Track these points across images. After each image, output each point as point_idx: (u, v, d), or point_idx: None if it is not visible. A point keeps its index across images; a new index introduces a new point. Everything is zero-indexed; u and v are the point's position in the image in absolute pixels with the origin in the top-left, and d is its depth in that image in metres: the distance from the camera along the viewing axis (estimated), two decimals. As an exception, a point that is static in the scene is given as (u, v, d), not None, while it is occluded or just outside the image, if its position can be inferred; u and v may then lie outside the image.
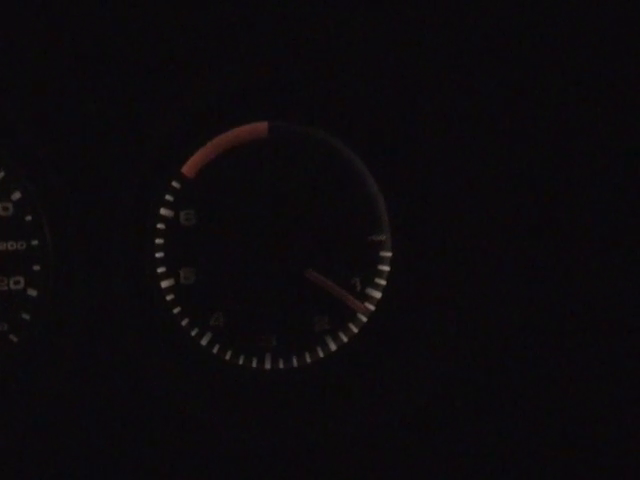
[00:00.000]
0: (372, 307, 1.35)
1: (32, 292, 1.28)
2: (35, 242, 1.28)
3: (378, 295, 1.35)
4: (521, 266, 1.21)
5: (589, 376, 1.20)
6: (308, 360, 1.34)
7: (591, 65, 1.16)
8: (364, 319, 1.35)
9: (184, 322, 1.32)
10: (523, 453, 1.20)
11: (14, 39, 1.13)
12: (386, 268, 1.35)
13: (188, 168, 1.31)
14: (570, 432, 1.20)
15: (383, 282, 1.35)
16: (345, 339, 1.35)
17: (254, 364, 1.34)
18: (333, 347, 1.35)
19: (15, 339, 1.29)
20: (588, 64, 1.16)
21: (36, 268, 1.28)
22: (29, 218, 1.28)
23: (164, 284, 1.31)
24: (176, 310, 1.32)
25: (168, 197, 1.30)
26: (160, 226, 1.30)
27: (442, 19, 1.16)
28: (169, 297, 1.31)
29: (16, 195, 1.28)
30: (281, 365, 1.34)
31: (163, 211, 1.30)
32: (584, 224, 1.19)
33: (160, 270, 1.31)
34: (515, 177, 1.20)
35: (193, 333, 1.32)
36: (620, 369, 1.19)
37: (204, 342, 1.33)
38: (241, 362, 1.33)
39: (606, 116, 1.17)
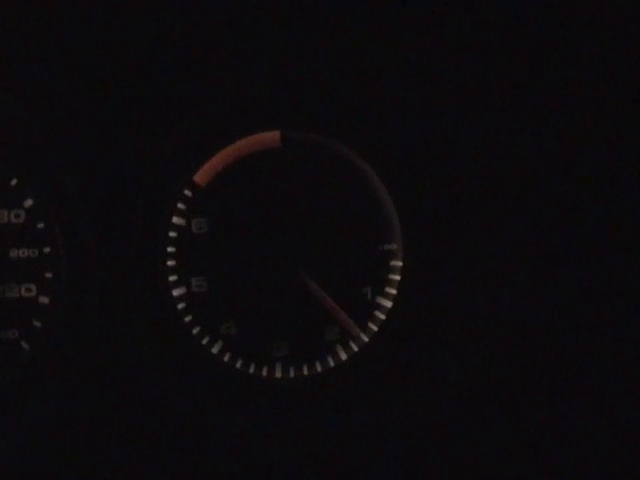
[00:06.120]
0: (383, 316, 1.35)
1: (44, 299, 1.28)
2: (47, 249, 1.28)
3: (389, 304, 1.35)
4: (533, 275, 1.21)
5: (610, 375, 1.20)
6: (319, 369, 1.34)
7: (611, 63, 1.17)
8: (375, 328, 1.35)
9: (195, 330, 1.32)
10: (541, 455, 1.20)
11: (28, 45, 1.14)
12: (397, 277, 1.35)
13: (200, 176, 1.31)
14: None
15: (394, 291, 1.35)
16: (356, 348, 1.35)
17: (265, 373, 1.33)
18: (344, 356, 1.34)
19: (26, 346, 1.29)
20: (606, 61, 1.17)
21: (48, 275, 1.28)
22: (41, 225, 1.28)
23: (175, 292, 1.31)
24: (187, 318, 1.31)
25: (180, 205, 1.30)
26: (172, 234, 1.30)
27: (459, 30, 1.16)
28: (180, 305, 1.31)
29: (28, 202, 1.28)
30: (292, 374, 1.34)
31: (175, 219, 1.30)
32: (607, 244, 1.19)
33: (172, 278, 1.31)
34: (529, 187, 1.20)
35: (204, 342, 1.32)
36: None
37: (215, 350, 1.32)
38: (252, 371, 1.33)
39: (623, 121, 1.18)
